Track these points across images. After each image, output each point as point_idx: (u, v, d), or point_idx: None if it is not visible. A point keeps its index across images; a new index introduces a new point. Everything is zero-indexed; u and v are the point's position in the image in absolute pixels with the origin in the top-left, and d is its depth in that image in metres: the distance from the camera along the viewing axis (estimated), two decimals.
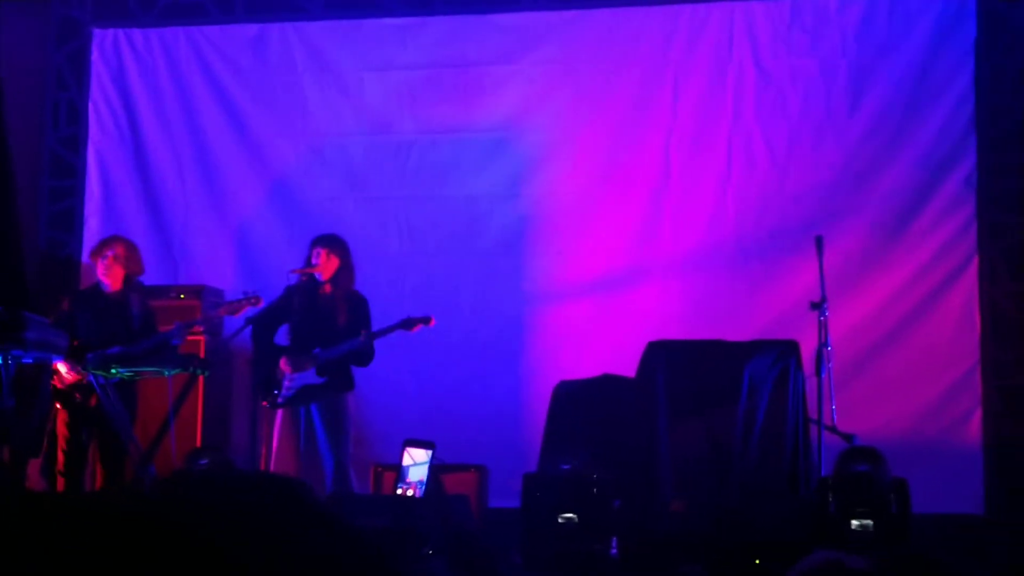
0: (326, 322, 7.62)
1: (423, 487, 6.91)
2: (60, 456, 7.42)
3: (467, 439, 8.38)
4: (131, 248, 7.72)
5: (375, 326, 7.71)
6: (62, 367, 7.31)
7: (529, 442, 8.18)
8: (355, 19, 9.44)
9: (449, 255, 9.15)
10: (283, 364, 7.56)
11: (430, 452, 7.02)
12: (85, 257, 8.85)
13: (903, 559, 2.32)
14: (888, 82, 8.66)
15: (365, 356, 7.61)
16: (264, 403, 7.62)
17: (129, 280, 7.66)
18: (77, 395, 7.36)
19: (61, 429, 7.43)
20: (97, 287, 7.65)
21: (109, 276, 7.58)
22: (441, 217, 9.20)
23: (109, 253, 7.59)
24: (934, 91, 8.59)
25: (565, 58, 9.11)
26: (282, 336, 7.83)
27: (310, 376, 7.53)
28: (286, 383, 7.53)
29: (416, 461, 7.02)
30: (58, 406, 7.39)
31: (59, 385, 7.35)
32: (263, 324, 7.62)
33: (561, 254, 9.00)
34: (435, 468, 7.07)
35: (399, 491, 6.99)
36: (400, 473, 7.04)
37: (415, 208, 9.26)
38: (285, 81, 9.49)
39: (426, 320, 7.69)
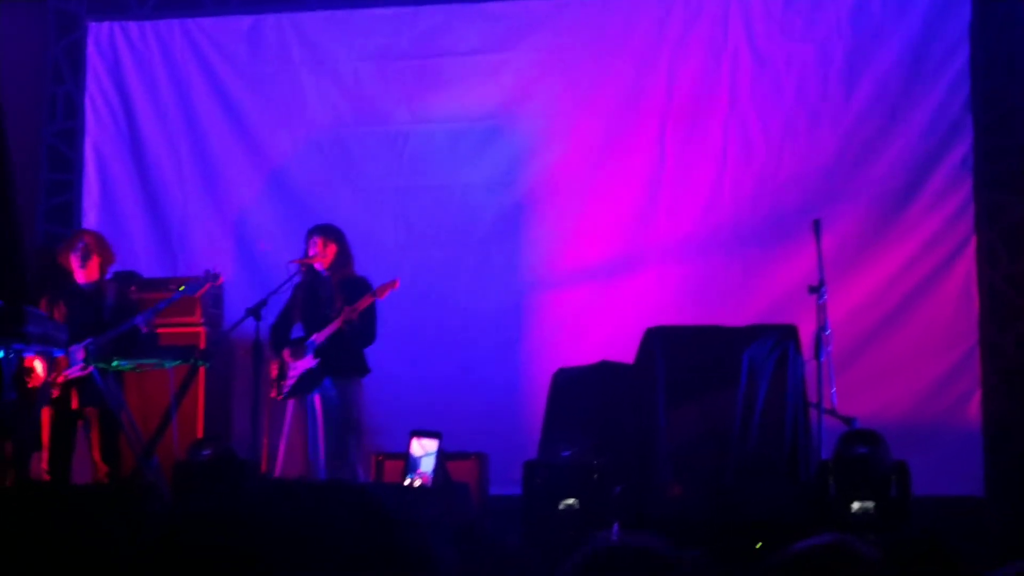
0: (324, 309, 7.67)
1: (432, 477, 6.95)
2: (44, 454, 7.37)
3: (466, 427, 8.39)
4: (100, 239, 7.71)
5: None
6: (38, 364, 7.28)
7: (528, 429, 8.19)
8: (349, 9, 9.44)
9: (445, 244, 9.15)
10: (286, 355, 7.61)
11: (438, 442, 7.06)
12: None
13: (910, 542, 2.33)
14: (883, 65, 8.66)
15: (360, 336, 7.61)
16: (278, 397, 7.65)
17: (103, 270, 7.65)
18: (55, 392, 7.33)
19: (43, 427, 7.39)
20: (72, 282, 7.62)
21: (84, 270, 7.56)
22: (436, 206, 9.21)
23: (79, 245, 7.57)
24: (930, 73, 8.59)
25: (559, 45, 9.11)
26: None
27: (308, 361, 7.58)
28: (290, 373, 7.59)
29: (426, 451, 7.07)
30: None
31: (35, 383, 7.30)
32: (278, 326, 7.69)
33: (557, 242, 9.01)
34: (442, 457, 7.10)
35: (407, 481, 7.02)
36: (409, 463, 7.07)
37: (411, 198, 9.26)
38: (280, 72, 9.48)
39: (391, 283, 7.69)
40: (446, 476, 7.29)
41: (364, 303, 7.62)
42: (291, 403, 7.66)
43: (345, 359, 7.63)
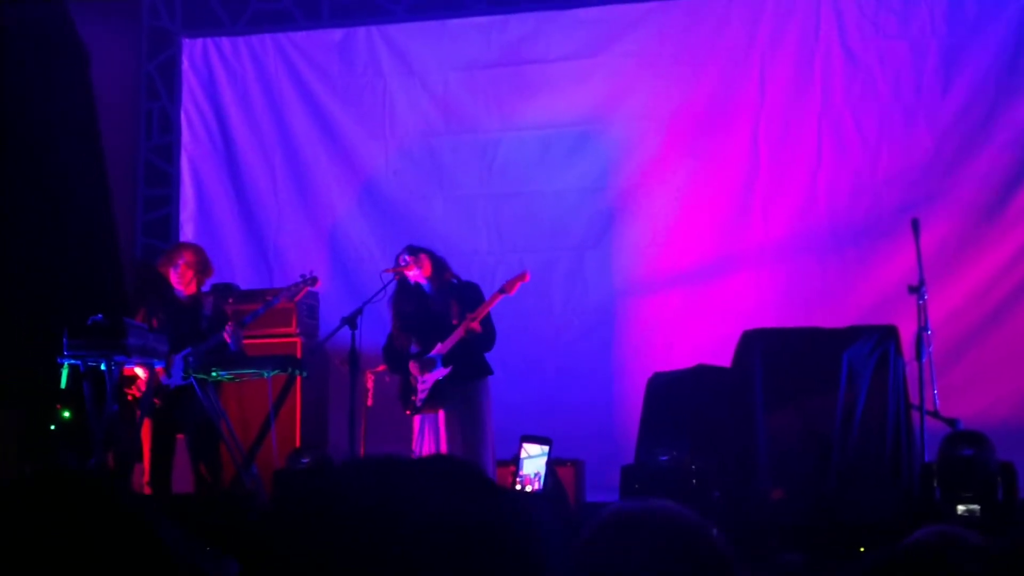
0: (442, 319, 7.51)
1: (541, 481, 6.93)
2: (146, 466, 7.44)
3: (562, 433, 8.32)
4: (199, 252, 7.77)
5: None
6: (139, 374, 7.35)
7: (624, 435, 8.15)
8: (439, 19, 9.50)
9: (538, 251, 9.15)
10: (413, 368, 7.48)
11: (547, 447, 7.04)
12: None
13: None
14: (979, 61, 8.52)
15: (483, 339, 7.47)
16: (408, 412, 7.55)
17: (201, 282, 7.74)
18: (156, 401, 7.40)
19: (144, 438, 7.43)
20: (171, 293, 7.71)
21: (182, 283, 7.64)
22: (529, 213, 9.22)
23: (180, 262, 7.64)
24: None
25: (649, 49, 9.08)
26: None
27: (439, 372, 7.44)
28: (420, 387, 7.45)
29: (532, 455, 7.06)
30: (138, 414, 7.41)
31: (136, 395, 7.38)
32: (391, 346, 7.57)
33: (651, 245, 8.96)
34: (552, 463, 7.06)
35: (517, 486, 7.01)
36: (518, 467, 7.07)
37: (503, 205, 9.28)
38: (371, 83, 9.57)
39: (520, 276, 7.59)
40: (556, 482, 7.24)
41: (490, 304, 7.48)
42: (419, 417, 7.53)
43: (471, 363, 7.49)
